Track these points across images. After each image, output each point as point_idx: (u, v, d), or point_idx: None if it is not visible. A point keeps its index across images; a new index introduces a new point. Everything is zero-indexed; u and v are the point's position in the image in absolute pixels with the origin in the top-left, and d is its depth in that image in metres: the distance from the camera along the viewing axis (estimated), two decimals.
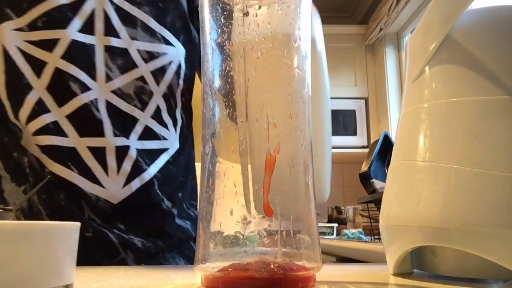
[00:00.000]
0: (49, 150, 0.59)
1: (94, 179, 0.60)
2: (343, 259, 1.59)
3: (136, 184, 0.63)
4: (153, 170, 0.65)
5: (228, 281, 0.30)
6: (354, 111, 2.81)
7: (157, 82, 0.66)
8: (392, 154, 0.42)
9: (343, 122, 2.79)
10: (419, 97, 0.39)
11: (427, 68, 0.39)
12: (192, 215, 0.75)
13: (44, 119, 0.59)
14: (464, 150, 0.35)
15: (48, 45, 0.59)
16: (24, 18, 0.60)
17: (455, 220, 0.33)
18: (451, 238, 0.34)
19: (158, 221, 0.67)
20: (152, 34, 0.65)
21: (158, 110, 0.66)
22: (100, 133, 0.61)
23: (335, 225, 2.30)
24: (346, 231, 1.87)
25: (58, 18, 0.60)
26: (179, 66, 0.68)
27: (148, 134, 0.65)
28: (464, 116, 0.36)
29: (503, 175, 0.33)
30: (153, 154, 0.66)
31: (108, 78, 0.62)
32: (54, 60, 0.59)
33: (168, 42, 0.66)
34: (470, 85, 0.36)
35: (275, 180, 0.31)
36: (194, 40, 0.73)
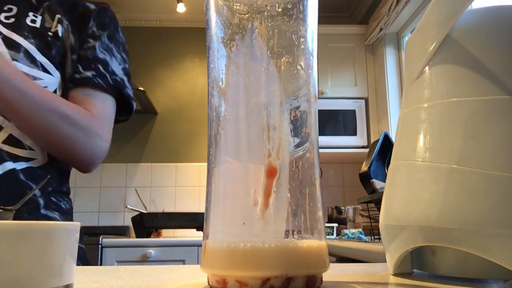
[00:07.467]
0: None
1: None
2: (343, 259, 1.58)
3: None
4: (16, 166, 0.71)
5: (235, 281, 0.30)
6: (354, 111, 2.80)
7: None
8: (392, 154, 0.42)
9: (343, 122, 2.78)
10: (419, 97, 0.39)
11: (427, 68, 0.39)
12: (62, 206, 0.78)
13: None
14: (464, 150, 0.35)
15: None
16: None
17: (455, 220, 0.33)
18: (451, 238, 0.34)
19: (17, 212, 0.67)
20: (32, 61, 0.74)
21: None
22: None
23: (335, 225, 2.29)
24: (346, 231, 1.87)
25: None
26: (54, 91, 0.77)
27: (13, 141, 0.72)
28: (464, 116, 0.36)
29: (503, 175, 0.33)
30: (17, 157, 0.72)
31: None
32: None
33: (46, 70, 0.76)
34: (470, 85, 0.36)
35: (277, 182, 0.31)
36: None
